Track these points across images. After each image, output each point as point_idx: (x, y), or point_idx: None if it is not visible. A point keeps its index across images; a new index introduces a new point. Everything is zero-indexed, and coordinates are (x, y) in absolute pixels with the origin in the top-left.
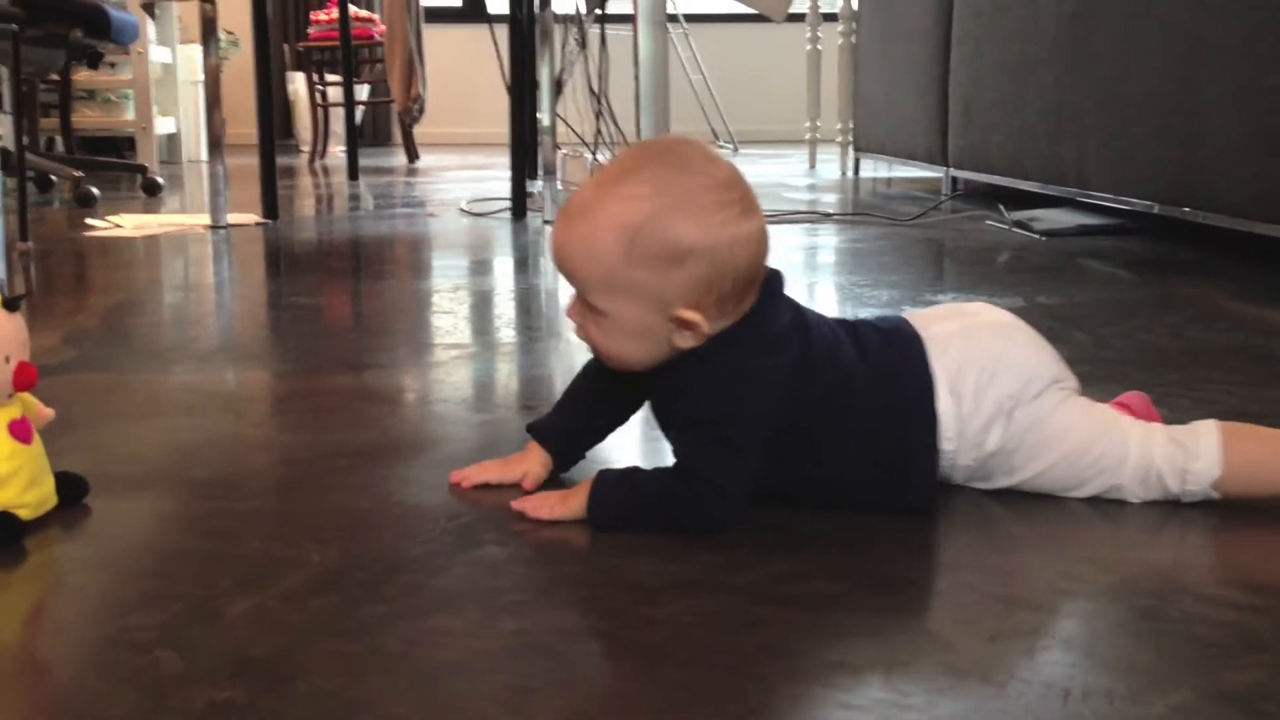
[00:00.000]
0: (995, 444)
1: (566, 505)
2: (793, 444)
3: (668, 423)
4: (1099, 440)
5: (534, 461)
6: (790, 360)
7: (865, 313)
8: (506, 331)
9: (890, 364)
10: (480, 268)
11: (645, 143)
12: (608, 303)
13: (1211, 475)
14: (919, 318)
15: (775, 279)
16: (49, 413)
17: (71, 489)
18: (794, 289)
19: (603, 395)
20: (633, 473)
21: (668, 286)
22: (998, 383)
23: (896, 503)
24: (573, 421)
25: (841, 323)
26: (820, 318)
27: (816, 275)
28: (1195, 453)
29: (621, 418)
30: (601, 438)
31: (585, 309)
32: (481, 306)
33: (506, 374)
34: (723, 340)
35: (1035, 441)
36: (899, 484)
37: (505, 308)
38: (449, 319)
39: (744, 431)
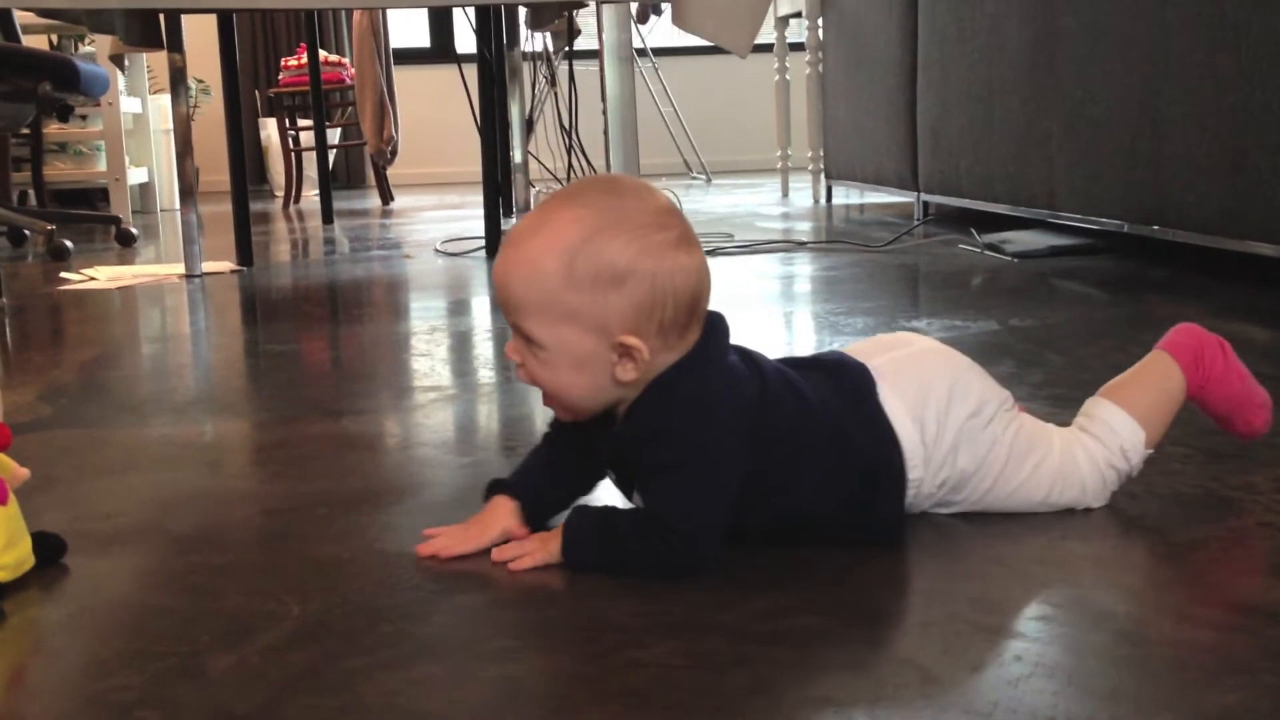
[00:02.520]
0: (965, 464)
1: (546, 550)
2: (756, 482)
3: (629, 477)
4: (1051, 457)
5: (510, 517)
6: (747, 395)
7: (840, 342)
8: (485, 372)
9: (843, 397)
10: (457, 308)
11: (585, 177)
12: (548, 332)
13: (1141, 438)
14: (855, 351)
15: (719, 320)
16: (24, 473)
17: (49, 549)
18: (770, 319)
19: (565, 462)
20: (609, 515)
21: (608, 310)
22: (955, 406)
23: (863, 534)
24: (539, 482)
25: (785, 361)
26: (765, 357)
27: (792, 304)
28: (1115, 429)
29: (584, 487)
30: (565, 505)
31: (525, 345)
32: (460, 347)
33: (486, 415)
34: (671, 378)
35: (995, 464)
36: (864, 516)
37: (483, 348)
38: (427, 361)
39: (711, 473)
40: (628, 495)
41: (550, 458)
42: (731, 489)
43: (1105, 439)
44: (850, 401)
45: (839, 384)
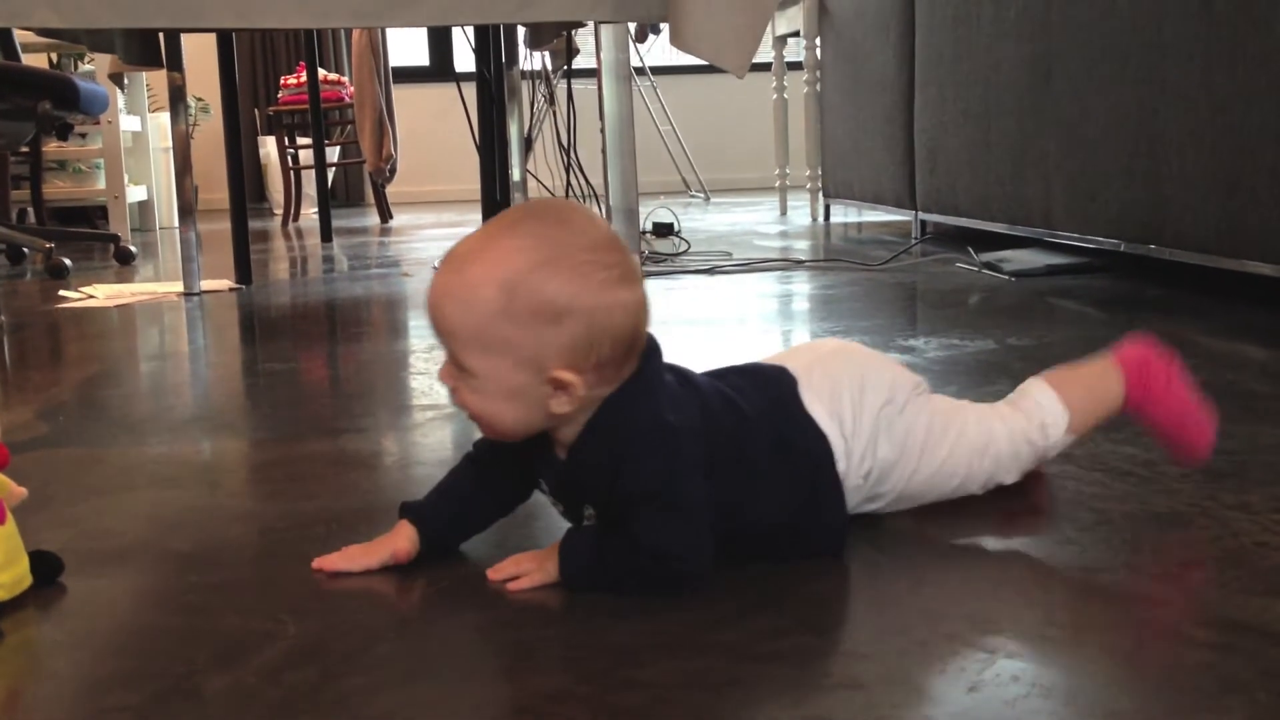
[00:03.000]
0: (886, 453)
1: (544, 570)
2: (712, 498)
3: (578, 507)
4: (967, 430)
5: (401, 539)
6: (695, 414)
7: None
8: None
9: (772, 402)
10: None
11: (531, 201)
12: (480, 361)
13: (1065, 419)
14: (771, 359)
15: (653, 343)
16: (22, 492)
17: (46, 568)
18: (768, 338)
19: (487, 485)
20: (605, 537)
21: (544, 346)
22: (869, 397)
23: (810, 542)
24: (452, 507)
25: (708, 373)
26: (696, 374)
27: (790, 323)
28: (1041, 404)
29: (503, 511)
30: (480, 529)
31: (457, 371)
32: None
33: None
34: (617, 409)
35: (915, 448)
36: (811, 522)
37: None
38: (425, 379)
39: (687, 490)
40: (576, 525)
41: (470, 482)
42: (707, 506)
43: (1029, 412)
44: (779, 405)
45: (765, 390)
